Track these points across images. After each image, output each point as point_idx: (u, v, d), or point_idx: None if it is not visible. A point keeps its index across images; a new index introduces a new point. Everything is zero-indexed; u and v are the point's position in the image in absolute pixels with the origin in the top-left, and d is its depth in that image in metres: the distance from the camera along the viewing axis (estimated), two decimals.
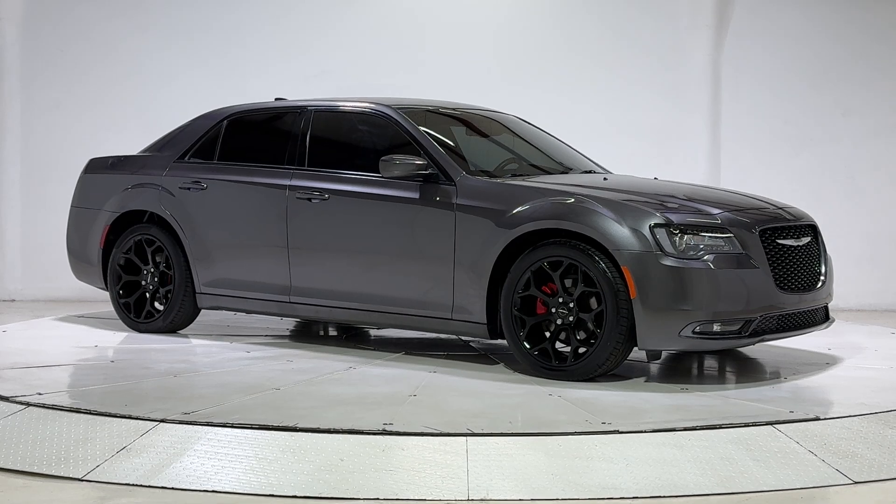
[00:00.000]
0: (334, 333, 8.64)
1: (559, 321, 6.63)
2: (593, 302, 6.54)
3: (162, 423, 5.43)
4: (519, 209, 6.79)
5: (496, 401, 6.05)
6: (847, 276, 10.91)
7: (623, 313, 6.38)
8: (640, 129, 11.49)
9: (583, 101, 11.54)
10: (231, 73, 11.57)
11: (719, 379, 6.98)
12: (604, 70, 11.58)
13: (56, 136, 11.56)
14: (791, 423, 5.54)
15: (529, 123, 8.64)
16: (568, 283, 6.63)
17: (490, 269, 6.84)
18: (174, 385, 6.43)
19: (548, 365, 6.66)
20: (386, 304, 7.31)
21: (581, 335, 6.61)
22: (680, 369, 7.15)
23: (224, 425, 5.39)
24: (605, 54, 11.60)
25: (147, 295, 8.42)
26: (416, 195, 7.17)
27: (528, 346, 6.72)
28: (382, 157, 7.14)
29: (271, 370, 6.91)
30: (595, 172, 8.00)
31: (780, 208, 7.13)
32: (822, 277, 7.06)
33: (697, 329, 6.33)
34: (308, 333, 8.64)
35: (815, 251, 7.09)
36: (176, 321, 8.30)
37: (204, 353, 7.52)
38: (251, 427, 5.35)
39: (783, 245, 6.75)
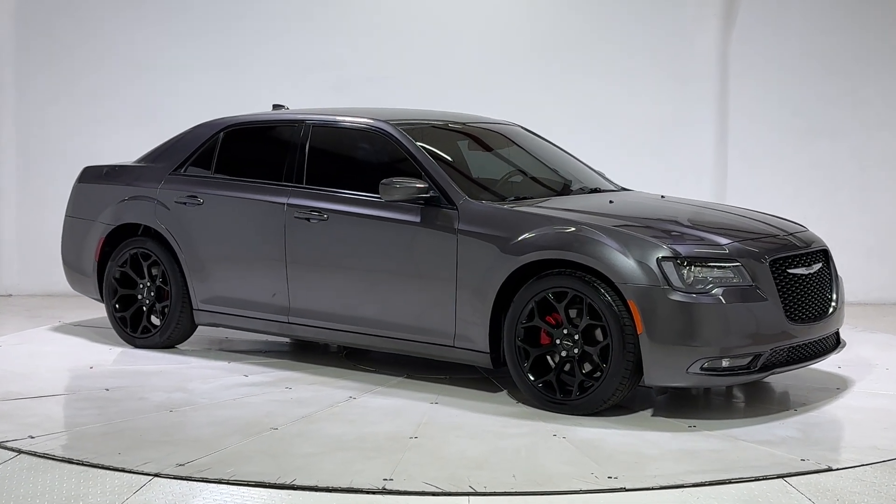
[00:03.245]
0: (335, 349, 8.46)
1: (564, 353, 6.47)
2: (599, 334, 6.38)
3: (156, 478, 5.29)
4: (522, 237, 6.61)
5: (499, 443, 5.90)
6: (857, 269, 10.80)
7: (629, 348, 6.23)
8: (647, 121, 11.27)
9: (588, 92, 11.32)
10: (234, 69, 11.34)
11: (727, 410, 6.81)
12: (609, 60, 11.34)
13: (53, 131, 11.35)
14: (803, 475, 5.40)
15: (535, 135, 8.44)
16: (573, 313, 6.47)
17: (493, 298, 6.68)
18: (170, 423, 6.28)
19: (552, 398, 6.51)
20: (386, 328, 7.16)
21: (587, 367, 6.45)
22: (687, 398, 6.99)
23: (220, 482, 5.25)
24: (610, 44, 11.36)
25: (144, 309, 8.26)
26: (417, 219, 6.99)
27: (532, 378, 6.57)
28: (382, 181, 6.95)
29: (269, 401, 6.76)
30: (601, 191, 7.80)
31: (791, 234, 6.94)
32: (833, 304, 6.90)
33: (706, 365, 6.18)
34: (308, 348, 8.46)
35: (826, 277, 6.91)
36: (173, 337, 8.16)
37: (201, 378, 7.36)
38: (247, 484, 5.21)
39: (793, 274, 6.58)
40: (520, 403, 6.74)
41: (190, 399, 6.83)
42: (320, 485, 5.19)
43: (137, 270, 8.27)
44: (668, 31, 11.27)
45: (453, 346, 6.90)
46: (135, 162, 8.60)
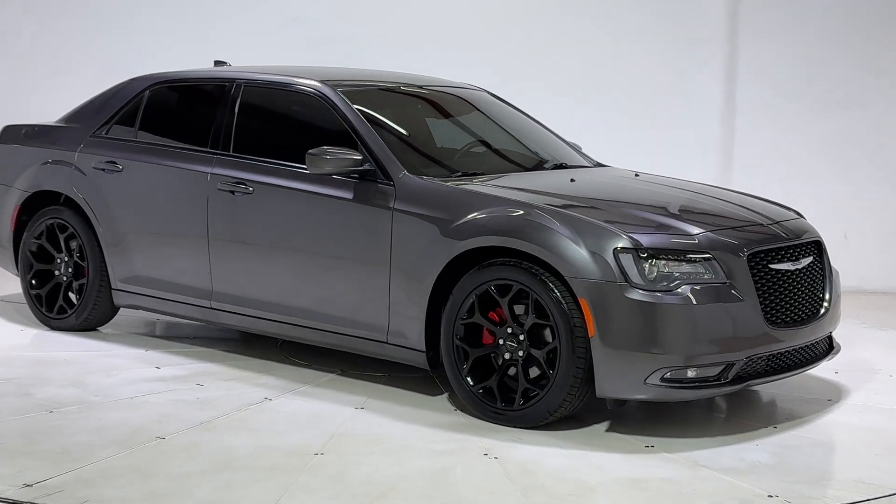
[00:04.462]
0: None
1: (507, 355, 5.58)
2: (547, 335, 5.48)
3: None
4: (464, 220, 5.71)
5: (418, 463, 5.03)
6: (872, 254, 10.06)
7: (580, 353, 5.33)
8: (646, 87, 10.38)
9: (586, 57, 10.40)
10: (202, 21, 10.47)
11: (697, 425, 5.84)
12: (604, 18, 10.42)
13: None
14: None
15: (503, 101, 7.51)
16: (519, 310, 5.57)
17: (430, 289, 5.80)
18: (42, 429, 5.41)
19: (493, 407, 5.62)
20: (315, 319, 6.29)
21: (534, 372, 5.56)
22: (654, 408, 6.05)
23: None
24: (609, 2, 10.41)
25: (62, 286, 7.42)
26: (349, 195, 6.10)
27: (471, 383, 5.68)
28: (310, 151, 6.06)
29: (171, 402, 5.89)
30: (566, 167, 6.87)
31: (778, 222, 5.99)
32: (825, 304, 5.95)
33: (668, 375, 5.28)
34: (249, 334, 7.51)
35: (817, 273, 5.98)
36: (91, 319, 7.31)
37: (106, 370, 6.50)
38: None
39: (777, 271, 5.64)
40: (457, 411, 5.86)
41: (81, 396, 5.97)
42: None
43: (54, 243, 7.42)
44: None
45: (386, 343, 6.03)
46: (57, 121, 7.73)
